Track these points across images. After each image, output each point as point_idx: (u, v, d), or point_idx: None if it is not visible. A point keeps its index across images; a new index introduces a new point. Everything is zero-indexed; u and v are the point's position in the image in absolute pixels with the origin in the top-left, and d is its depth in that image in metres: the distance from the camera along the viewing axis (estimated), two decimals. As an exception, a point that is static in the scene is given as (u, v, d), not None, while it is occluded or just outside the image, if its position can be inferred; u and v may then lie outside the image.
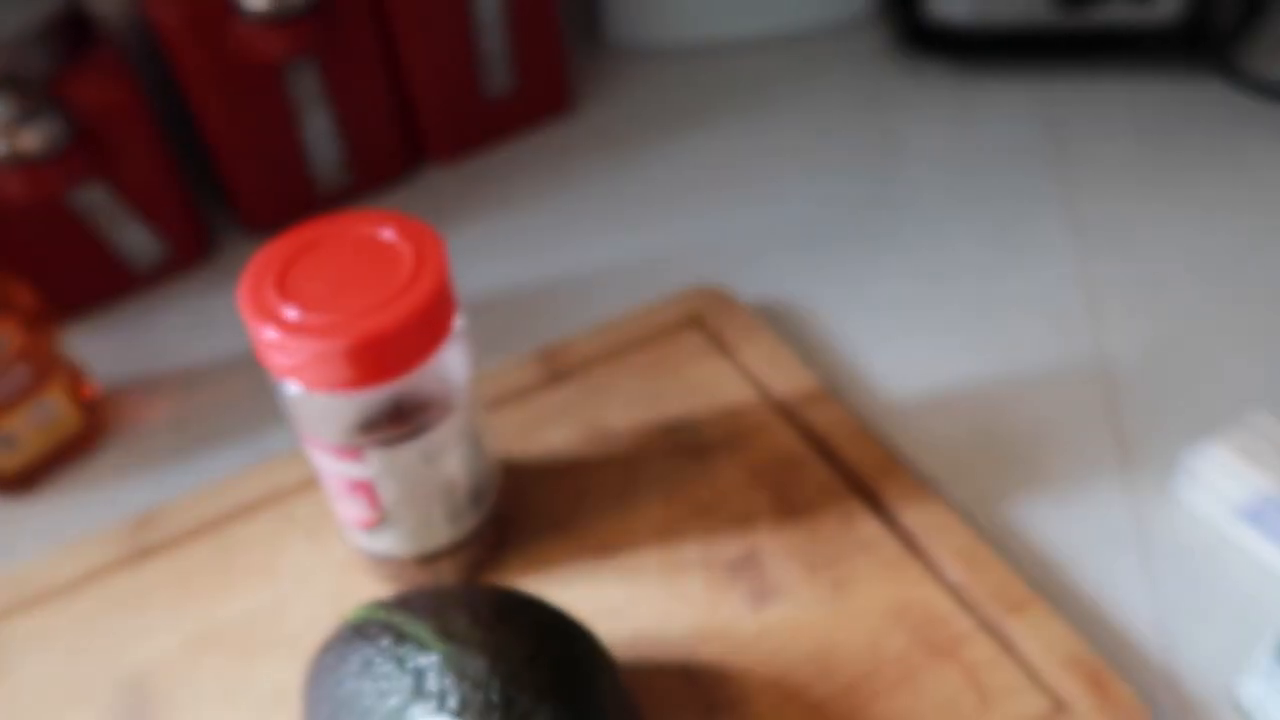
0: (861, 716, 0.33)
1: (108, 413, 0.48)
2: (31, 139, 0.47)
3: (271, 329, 0.29)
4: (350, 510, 0.35)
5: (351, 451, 0.32)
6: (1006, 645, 0.34)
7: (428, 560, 0.37)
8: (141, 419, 0.48)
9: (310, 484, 0.42)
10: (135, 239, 0.53)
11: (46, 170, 0.47)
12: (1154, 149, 0.57)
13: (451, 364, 0.33)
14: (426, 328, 0.31)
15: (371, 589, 0.38)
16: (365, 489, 0.34)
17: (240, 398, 0.49)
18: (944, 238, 0.53)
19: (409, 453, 0.33)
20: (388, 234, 0.32)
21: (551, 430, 0.43)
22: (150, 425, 0.48)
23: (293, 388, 0.31)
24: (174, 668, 0.36)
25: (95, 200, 0.51)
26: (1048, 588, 0.37)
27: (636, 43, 0.71)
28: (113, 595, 0.39)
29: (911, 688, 0.33)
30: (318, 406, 0.32)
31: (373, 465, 0.33)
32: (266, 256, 0.32)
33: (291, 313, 0.30)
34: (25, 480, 0.44)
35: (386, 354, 0.30)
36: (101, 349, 0.51)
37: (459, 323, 0.33)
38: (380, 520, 0.35)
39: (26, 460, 0.44)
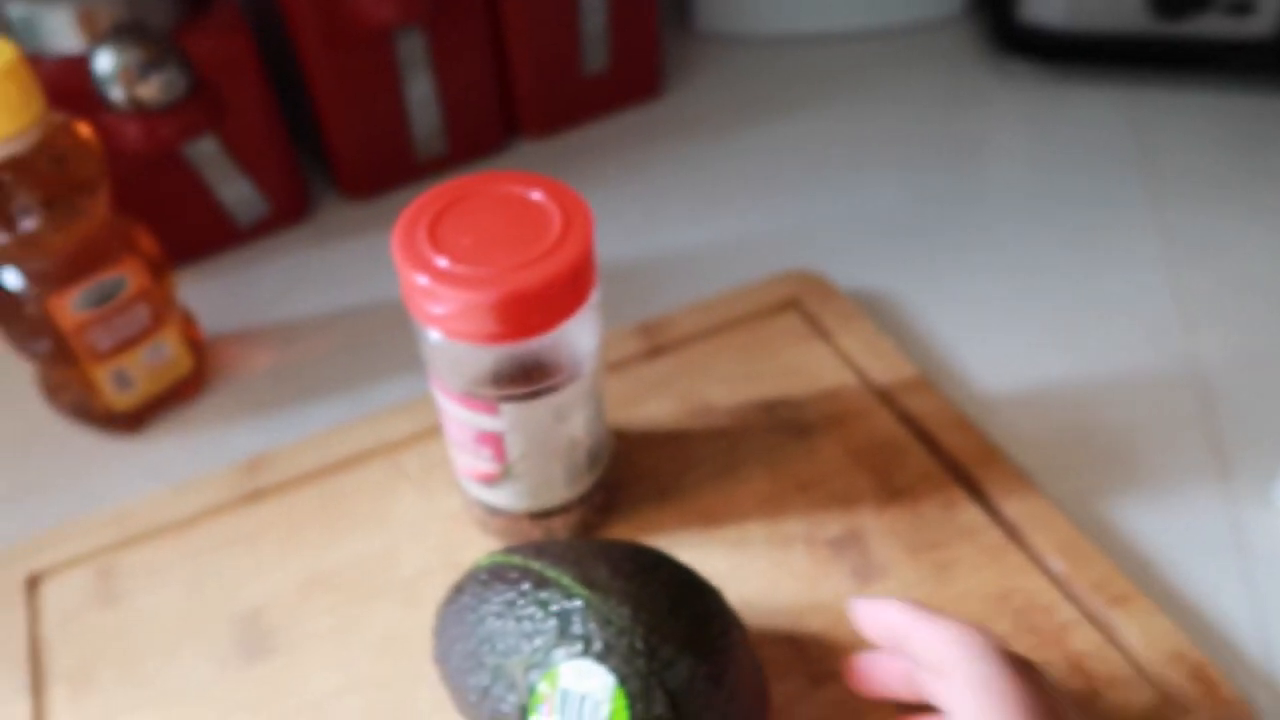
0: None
1: (211, 359, 0.49)
2: (153, 89, 0.47)
3: (424, 276, 0.30)
4: (473, 463, 0.36)
5: (487, 405, 0.33)
6: (1111, 637, 0.35)
7: (540, 517, 0.37)
8: (242, 368, 0.49)
9: (418, 437, 0.43)
10: (240, 193, 0.54)
11: (166, 120, 0.48)
12: (1244, 160, 0.57)
13: (586, 327, 0.33)
14: (571, 289, 0.31)
15: (482, 543, 0.39)
16: (494, 441, 0.34)
17: (336, 353, 0.49)
18: (1032, 238, 0.54)
19: (541, 409, 0.34)
20: (536, 195, 0.33)
21: (653, 402, 0.44)
22: (250, 374, 0.49)
23: (434, 335, 0.32)
24: (287, 607, 0.37)
25: (206, 153, 0.52)
26: (1145, 587, 0.37)
27: (726, 32, 0.71)
28: (226, 534, 0.40)
29: (1017, 671, 0.34)
30: (456, 355, 0.32)
31: (505, 419, 0.33)
32: (419, 207, 0.32)
33: (442, 262, 0.31)
34: (135, 419, 0.45)
35: (532, 311, 0.31)
36: (204, 299, 0.52)
37: (597, 288, 0.33)
38: (503, 474, 0.36)
39: (138, 400, 0.45)
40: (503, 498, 0.37)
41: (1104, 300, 0.50)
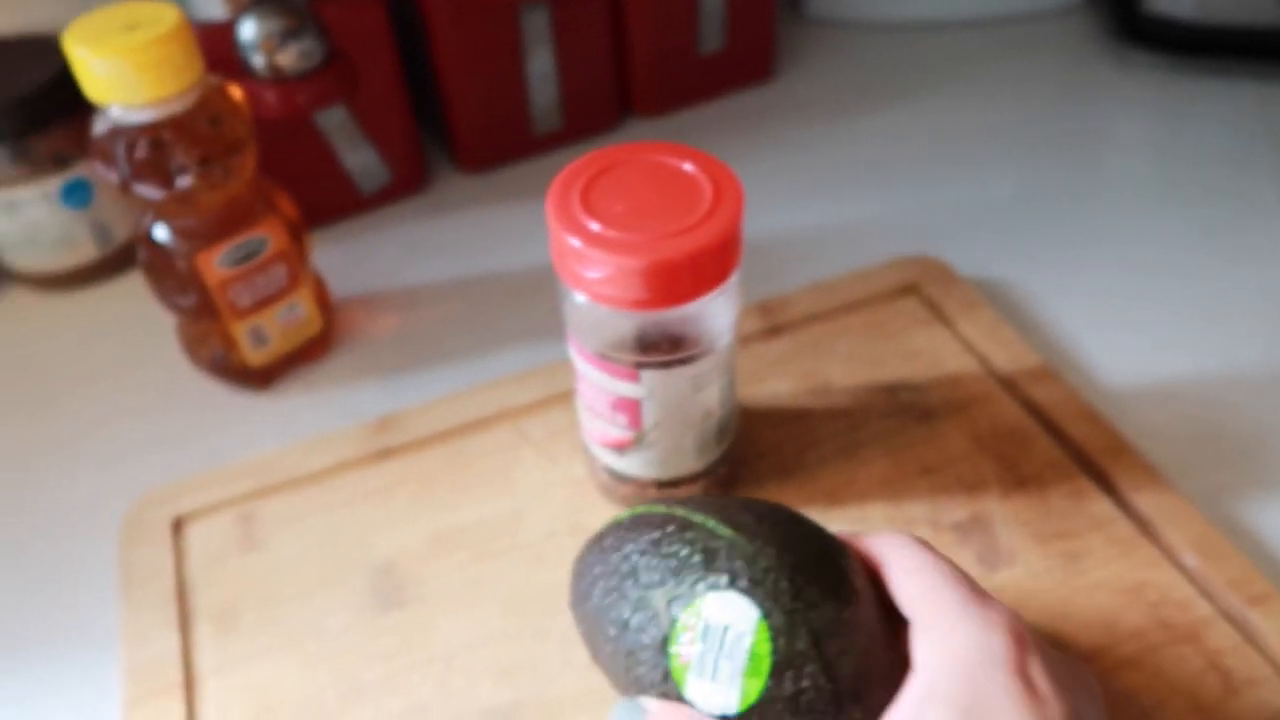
0: (1100, 687, 0.33)
1: (338, 321, 0.50)
2: (291, 57, 0.49)
3: (576, 239, 0.31)
4: (607, 429, 0.36)
5: (627, 371, 0.34)
6: (1249, 635, 0.34)
7: (666, 486, 0.38)
8: (367, 331, 0.50)
9: (540, 405, 0.43)
10: (365, 161, 0.55)
11: (302, 88, 0.49)
12: (1385, 162, 0.56)
13: (728, 300, 0.34)
14: (719, 260, 0.32)
15: (606, 509, 0.39)
16: (630, 408, 0.35)
17: (456, 320, 0.51)
18: (1156, 233, 0.53)
19: (680, 379, 0.34)
20: (688, 166, 0.33)
21: (774, 380, 0.44)
22: (375, 337, 0.50)
23: (580, 298, 0.33)
24: (418, 560, 0.38)
25: (335, 121, 0.53)
26: (1280, 586, 0.37)
27: (838, 17, 0.71)
28: (358, 488, 0.41)
29: (1150, 666, 0.33)
30: (599, 319, 0.33)
31: (644, 385, 0.34)
32: (572, 171, 0.33)
33: (594, 226, 0.31)
34: (268, 376, 0.47)
35: (680, 280, 0.31)
36: (329, 262, 0.53)
37: (741, 261, 0.34)
38: (635, 441, 0.36)
39: (272, 357, 0.46)
40: (632, 465, 0.37)
41: (1233, 297, 0.49)
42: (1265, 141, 0.58)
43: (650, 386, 0.34)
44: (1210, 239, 0.52)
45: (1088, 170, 0.57)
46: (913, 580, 0.27)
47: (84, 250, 0.52)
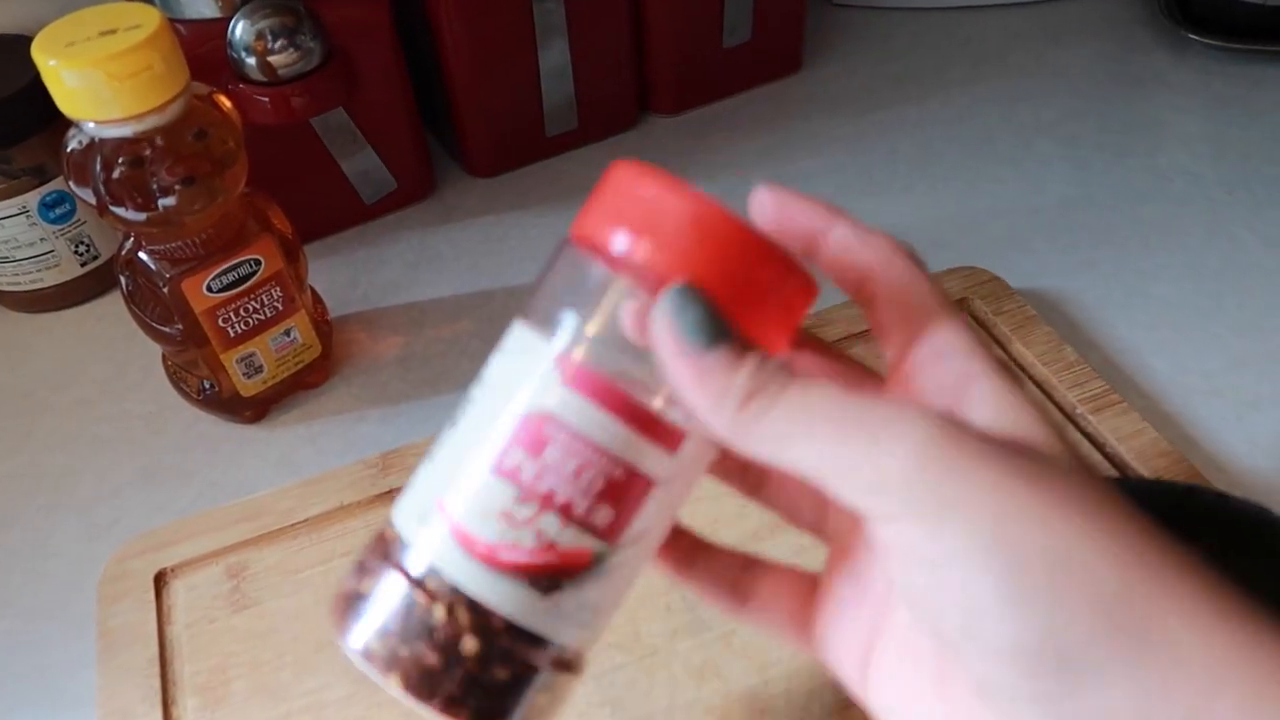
0: None
1: (338, 343, 0.47)
2: (286, 58, 0.45)
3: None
4: (543, 525, 0.20)
5: (667, 434, 0.21)
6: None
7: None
8: (369, 354, 0.47)
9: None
10: (367, 168, 0.52)
11: (298, 91, 0.46)
12: None
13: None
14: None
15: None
16: (630, 494, 0.21)
17: (466, 338, 0.47)
18: (1225, 235, 0.48)
19: (703, 455, 0.22)
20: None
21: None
22: (378, 360, 0.46)
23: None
24: (426, 620, 0.35)
25: (334, 124, 0.49)
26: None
27: (873, 2, 0.66)
28: (360, 536, 0.38)
29: None
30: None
31: (679, 460, 0.21)
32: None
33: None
34: (262, 406, 0.44)
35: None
36: (328, 278, 0.50)
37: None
38: (591, 562, 0.21)
39: (266, 386, 0.43)
40: (549, 617, 0.21)
41: (1313, 311, 0.44)
42: (1337, 135, 0.54)
43: (683, 463, 0.21)
44: (1284, 245, 0.48)
45: (1145, 167, 0.53)
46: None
47: (66, 268, 0.49)
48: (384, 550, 0.22)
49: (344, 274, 0.50)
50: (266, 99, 0.45)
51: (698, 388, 0.19)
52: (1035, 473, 0.17)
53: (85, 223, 0.48)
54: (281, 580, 0.37)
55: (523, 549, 0.20)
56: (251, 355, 0.42)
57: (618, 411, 0.20)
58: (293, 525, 0.38)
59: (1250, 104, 0.56)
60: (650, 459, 0.21)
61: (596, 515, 0.20)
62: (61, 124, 0.36)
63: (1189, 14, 0.60)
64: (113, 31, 0.34)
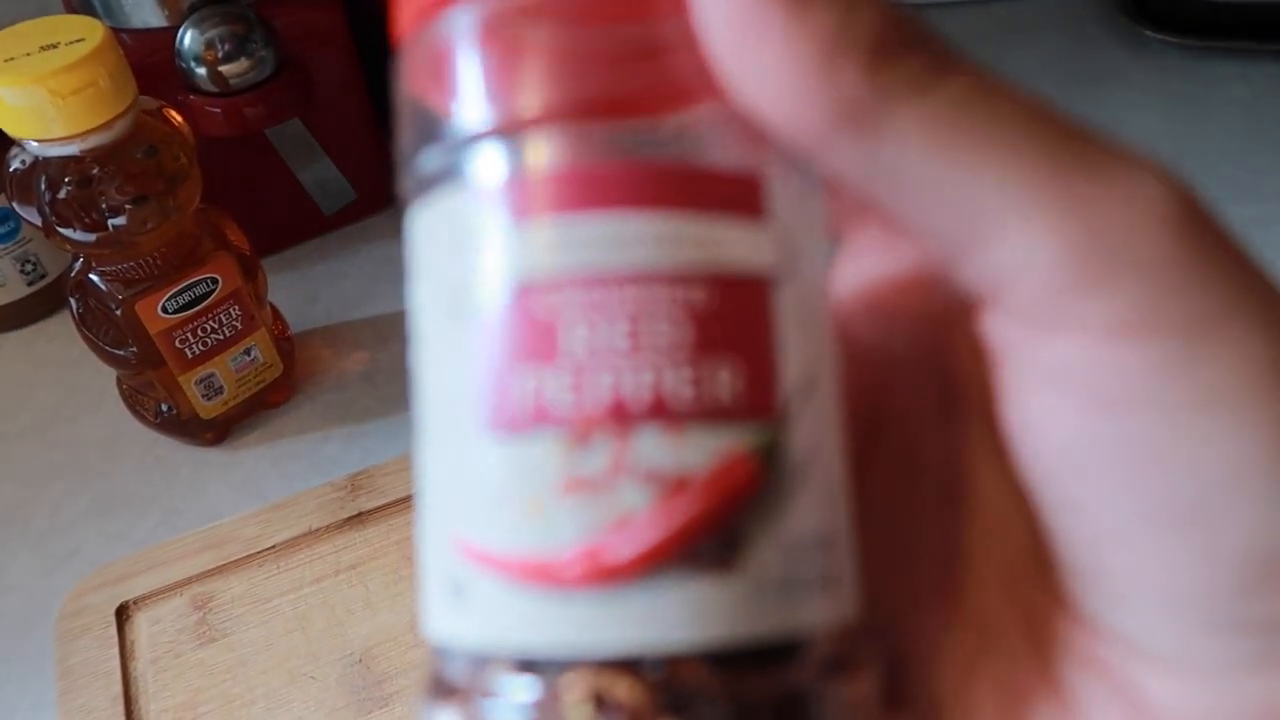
0: None
1: (301, 362, 0.45)
2: (238, 68, 0.44)
3: None
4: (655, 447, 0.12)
5: (738, 186, 0.12)
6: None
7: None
8: (333, 371, 0.46)
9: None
10: (325, 178, 0.50)
11: (251, 102, 0.44)
12: None
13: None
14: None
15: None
16: (751, 317, 0.12)
17: (433, 355, 0.46)
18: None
19: (817, 217, 0.14)
20: None
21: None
22: (342, 377, 0.45)
23: None
24: (401, 647, 0.34)
25: (290, 134, 0.48)
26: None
27: None
28: (329, 563, 0.37)
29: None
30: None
31: (780, 227, 0.12)
32: None
33: None
34: (222, 428, 0.42)
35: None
36: (288, 293, 0.48)
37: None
38: (769, 464, 0.12)
39: (226, 407, 0.41)
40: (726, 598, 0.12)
41: None
42: (1294, 130, 0.54)
43: (791, 228, 0.12)
44: (1247, 236, 0.48)
45: (1107, 167, 0.53)
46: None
47: (11, 288, 0.47)
48: (434, 684, 0.12)
49: (304, 288, 0.49)
50: (218, 110, 0.44)
51: (792, 29, 0.10)
52: None
53: (31, 240, 0.47)
54: (249, 610, 0.35)
55: (642, 518, 0.11)
56: (211, 376, 0.40)
57: (625, 198, 0.11)
58: (259, 552, 0.37)
59: (1208, 101, 0.57)
60: (733, 243, 0.11)
61: (718, 385, 0.11)
62: (3, 142, 0.35)
63: (1146, 11, 0.61)
64: (54, 46, 0.33)
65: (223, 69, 0.43)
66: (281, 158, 0.48)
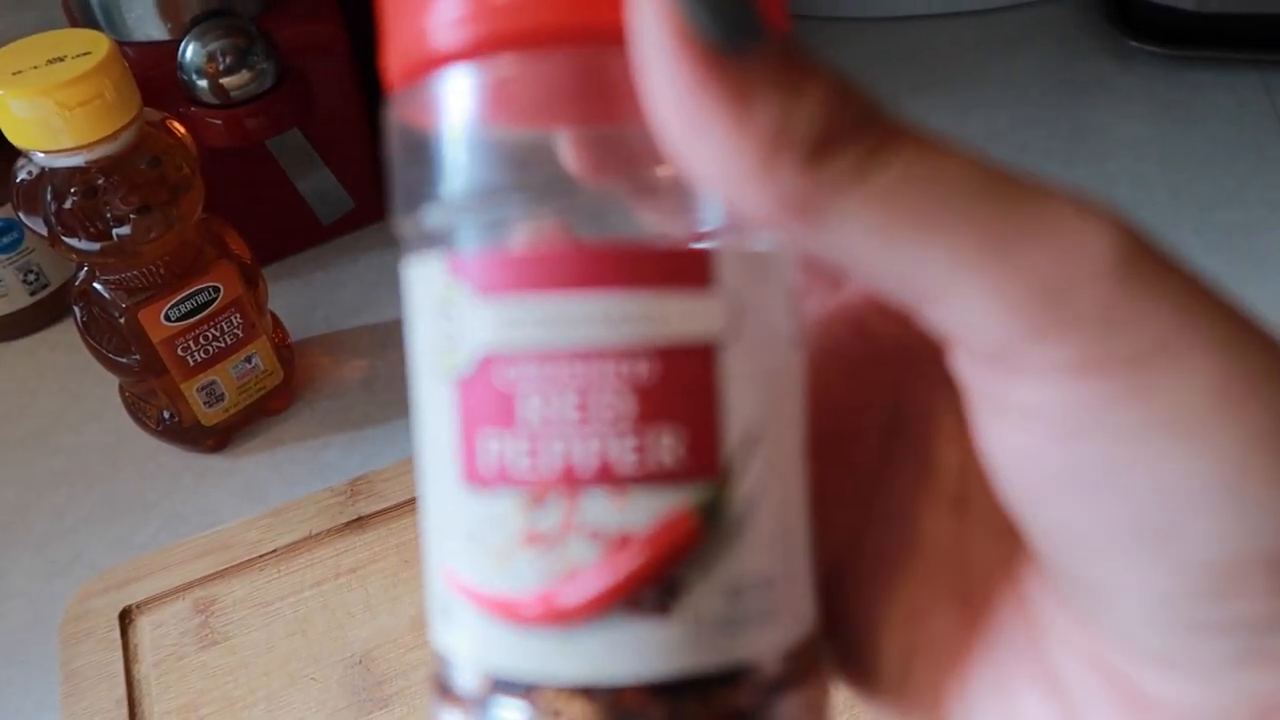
0: None
1: (301, 369, 0.46)
2: (239, 80, 0.44)
3: None
4: (601, 511, 0.13)
5: (683, 262, 0.13)
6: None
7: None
8: (332, 378, 0.46)
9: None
10: (324, 188, 0.51)
11: (252, 114, 0.45)
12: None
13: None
14: None
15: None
16: (695, 383, 0.13)
17: (431, 362, 0.47)
18: (1171, 240, 0.50)
19: (775, 285, 0.14)
20: None
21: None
22: (341, 384, 0.46)
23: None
24: (400, 649, 0.35)
25: (290, 145, 0.49)
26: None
27: (814, 14, 0.67)
28: (330, 566, 0.37)
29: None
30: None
31: (726, 296, 0.13)
32: None
33: None
34: (223, 435, 0.43)
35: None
36: (287, 301, 0.49)
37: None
38: (710, 514, 0.13)
39: (228, 414, 0.42)
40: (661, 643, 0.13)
41: (1272, 305, 0.46)
42: (1276, 134, 0.55)
43: (737, 294, 0.13)
44: (1231, 242, 0.49)
45: (1090, 174, 0.54)
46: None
47: (14, 297, 0.48)
48: (436, 686, 0.14)
49: (304, 297, 0.50)
50: (220, 121, 0.45)
51: (733, 129, 0.11)
52: (1256, 326, 0.12)
53: (34, 251, 0.47)
54: (251, 613, 0.36)
55: (588, 570, 0.12)
56: (212, 384, 0.41)
57: (576, 279, 0.12)
58: (260, 556, 0.37)
59: (1193, 109, 0.58)
60: (678, 315, 0.12)
61: (659, 450, 0.12)
62: (6, 150, 0.35)
63: (1132, 22, 0.62)
64: (61, 59, 0.33)
65: (224, 81, 0.44)
66: (282, 168, 0.49)
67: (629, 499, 0.12)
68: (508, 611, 0.13)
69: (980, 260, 0.11)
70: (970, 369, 0.12)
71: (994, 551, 0.15)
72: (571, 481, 0.12)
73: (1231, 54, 0.60)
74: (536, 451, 0.12)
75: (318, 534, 0.38)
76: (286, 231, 0.51)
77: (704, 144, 0.11)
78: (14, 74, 0.33)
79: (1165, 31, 0.61)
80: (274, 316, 0.45)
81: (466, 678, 0.13)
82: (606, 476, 0.12)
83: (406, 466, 0.40)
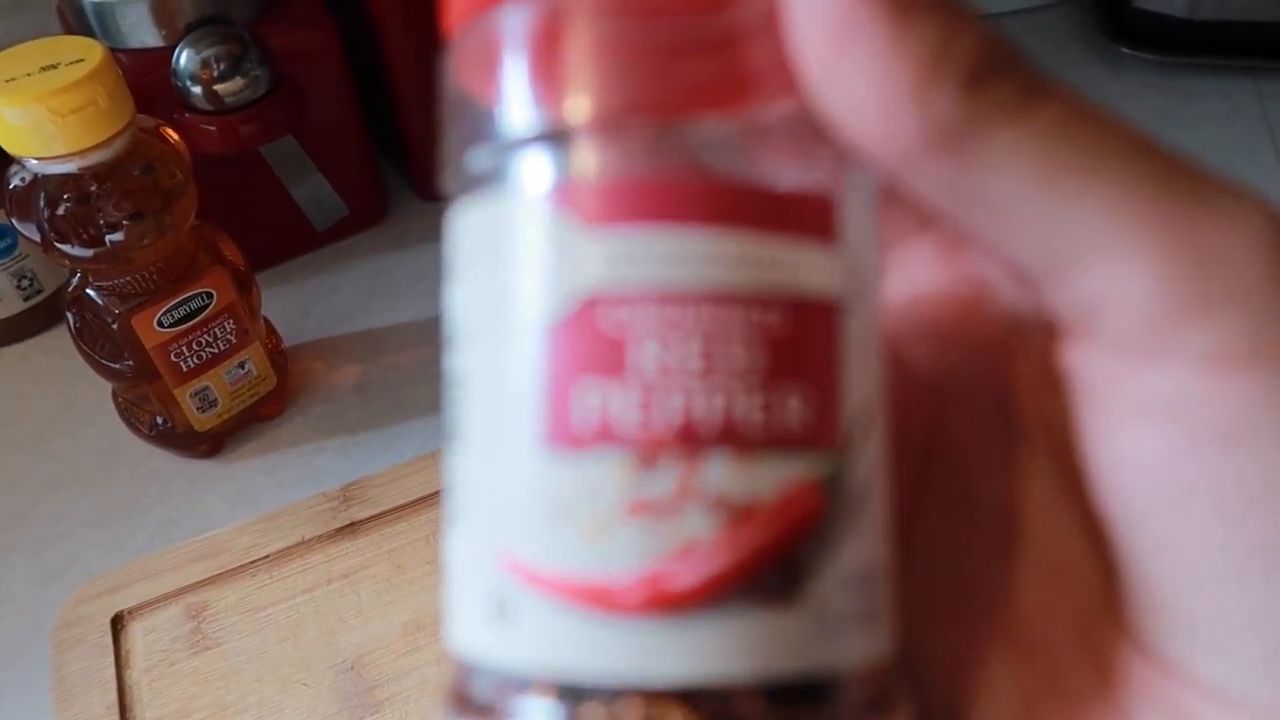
0: None
1: (294, 375, 0.46)
2: (233, 86, 0.45)
3: None
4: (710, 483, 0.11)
5: (812, 214, 0.12)
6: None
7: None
8: (325, 384, 0.46)
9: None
10: (317, 194, 0.51)
11: (246, 120, 0.45)
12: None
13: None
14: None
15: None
16: (815, 338, 0.12)
17: (425, 365, 0.47)
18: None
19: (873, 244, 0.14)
20: None
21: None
22: (334, 390, 0.46)
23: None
24: (392, 654, 0.35)
25: (284, 151, 0.49)
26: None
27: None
28: (322, 572, 0.37)
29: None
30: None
31: (847, 252, 0.12)
32: None
33: None
34: (216, 441, 0.43)
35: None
36: (280, 307, 0.49)
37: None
38: (831, 488, 0.11)
39: (220, 420, 0.42)
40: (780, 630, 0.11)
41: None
42: (1269, 141, 0.56)
43: (857, 254, 0.12)
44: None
45: (1087, 181, 0.54)
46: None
47: (8, 303, 0.48)
48: (456, 699, 0.12)
49: (297, 303, 0.50)
50: (214, 128, 0.45)
51: (891, 48, 0.10)
52: None
53: (28, 256, 0.47)
54: (243, 619, 0.36)
55: (708, 545, 0.11)
56: (205, 389, 0.41)
57: (706, 214, 0.11)
58: (253, 562, 0.37)
59: (1184, 116, 0.58)
60: (808, 268, 0.11)
61: (787, 411, 0.11)
62: (3, 159, 0.35)
63: (1125, 29, 0.62)
64: (54, 66, 0.34)
65: (218, 88, 0.44)
66: (275, 174, 0.49)
67: (756, 463, 0.11)
68: (597, 599, 0.11)
69: (1136, 222, 0.10)
70: (1097, 359, 0.11)
71: (1050, 593, 0.13)
72: (692, 440, 0.11)
73: (1224, 61, 0.60)
74: (651, 405, 0.11)
75: (310, 539, 0.38)
76: (280, 238, 0.52)
77: (854, 66, 0.10)
78: (7, 81, 0.33)
79: (1158, 39, 0.61)
80: (267, 322, 0.45)
81: (515, 685, 0.11)
82: (732, 436, 0.11)
83: (400, 472, 0.40)
